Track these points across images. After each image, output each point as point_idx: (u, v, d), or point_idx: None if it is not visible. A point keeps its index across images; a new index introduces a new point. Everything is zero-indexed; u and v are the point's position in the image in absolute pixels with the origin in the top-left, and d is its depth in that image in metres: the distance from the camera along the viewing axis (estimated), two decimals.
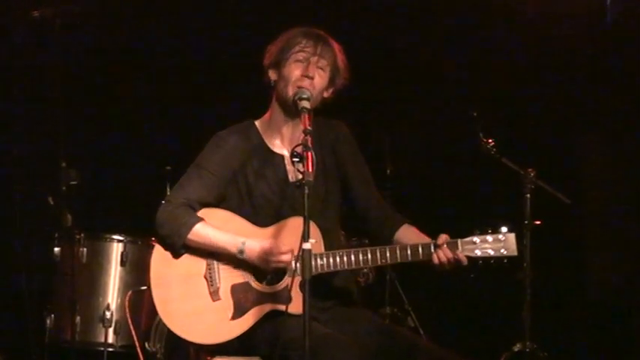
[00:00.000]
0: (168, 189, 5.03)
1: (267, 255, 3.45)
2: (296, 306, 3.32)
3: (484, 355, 4.96)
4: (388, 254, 3.47)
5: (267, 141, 3.69)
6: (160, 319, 3.57)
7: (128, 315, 5.07)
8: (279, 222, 3.55)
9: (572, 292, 5.94)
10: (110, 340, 5.21)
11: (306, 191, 3.14)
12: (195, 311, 3.48)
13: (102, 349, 5.19)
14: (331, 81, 3.63)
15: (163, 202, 3.59)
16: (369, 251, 3.48)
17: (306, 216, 3.12)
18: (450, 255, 3.44)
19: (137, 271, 5.25)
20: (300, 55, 3.58)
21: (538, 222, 5.02)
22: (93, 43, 5.91)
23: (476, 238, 3.47)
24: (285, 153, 3.66)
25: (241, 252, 3.48)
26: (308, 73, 3.55)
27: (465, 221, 3.59)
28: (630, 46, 5.87)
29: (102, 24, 5.87)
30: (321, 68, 3.59)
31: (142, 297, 5.13)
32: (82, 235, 5.25)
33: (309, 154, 3.20)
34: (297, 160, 3.29)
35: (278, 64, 3.61)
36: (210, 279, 3.51)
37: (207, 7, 6.08)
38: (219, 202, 3.61)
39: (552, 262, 5.66)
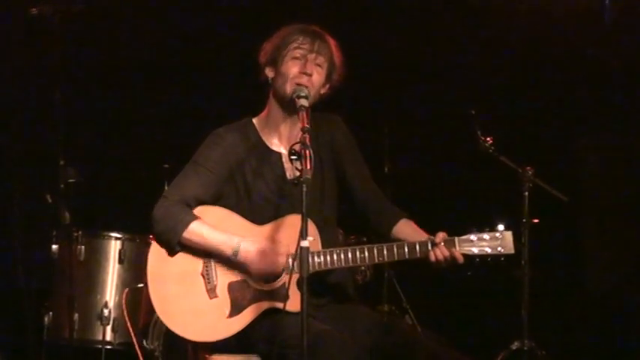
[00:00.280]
0: (166, 187, 5.02)
1: (263, 257, 3.45)
2: (293, 303, 3.32)
3: (482, 353, 4.95)
4: (385, 252, 3.47)
5: (264, 139, 3.68)
6: (158, 317, 3.57)
7: (125, 313, 5.07)
8: (277, 220, 3.55)
9: (570, 290, 5.94)
10: (108, 337, 5.21)
11: (305, 189, 3.14)
12: (193, 309, 3.48)
13: (100, 346, 5.19)
14: (328, 77, 3.63)
15: (160, 198, 3.59)
16: (366, 249, 3.48)
17: (304, 214, 3.12)
18: (446, 253, 3.44)
19: (135, 269, 5.25)
20: (298, 52, 3.58)
21: (536, 220, 5.02)
22: (91, 40, 5.91)
23: (473, 236, 3.48)
24: (283, 151, 3.66)
25: (235, 253, 3.48)
26: (306, 70, 3.55)
27: (463, 219, 3.59)
28: (629, 45, 5.88)
29: (101, 21, 5.86)
30: (319, 65, 3.59)
31: (139, 294, 5.14)
32: (80, 232, 5.25)
33: (308, 152, 3.20)
34: (295, 158, 3.28)
35: (275, 62, 3.60)
36: (207, 276, 3.51)
37: (205, 6, 6.08)
38: (216, 200, 3.61)
39: (550, 260, 5.67)
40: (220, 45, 6.01)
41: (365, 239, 5.03)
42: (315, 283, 3.33)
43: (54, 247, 5.23)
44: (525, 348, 5.00)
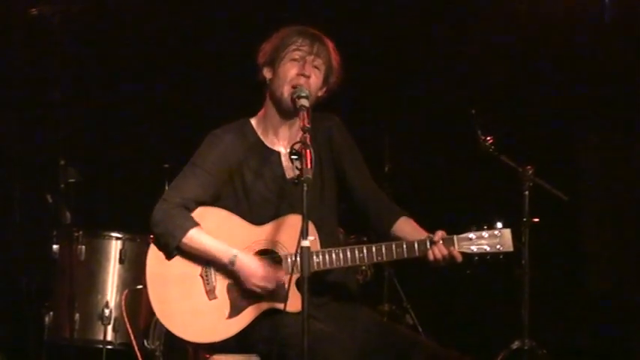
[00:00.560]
0: (166, 186, 5.02)
1: (258, 272, 3.45)
2: (293, 304, 3.33)
3: (483, 353, 4.96)
4: (384, 251, 3.47)
5: (262, 138, 3.68)
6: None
7: (125, 314, 5.07)
8: (277, 219, 3.55)
9: (570, 289, 5.95)
10: (109, 337, 5.21)
11: (305, 188, 3.14)
12: (192, 310, 3.48)
13: (101, 346, 5.18)
14: (325, 80, 3.63)
15: (159, 200, 3.59)
16: (365, 248, 3.47)
17: (305, 214, 3.12)
18: (444, 252, 3.44)
19: (136, 269, 5.25)
20: (297, 54, 3.58)
21: (536, 219, 5.02)
22: (91, 40, 5.91)
23: (472, 235, 3.47)
24: (282, 150, 3.66)
25: (232, 263, 3.48)
26: (304, 72, 3.55)
27: (464, 219, 3.59)
28: (628, 44, 5.88)
29: (101, 21, 5.86)
30: (317, 67, 3.59)
31: (139, 295, 5.13)
32: (81, 232, 5.24)
33: (308, 151, 3.20)
34: (295, 157, 3.27)
35: (273, 63, 3.60)
36: (206, 278, 3.51)
37: (204, 5, 6.08)
38: (215, 201, 3.61)
39: (551, 260, 5.67)
40: (220, 45, 6.01)
41: (365, 239, 5.03)
42: (315, 283, 3.33)
43: (54, 247, 5.23)
44: (526, 347, 4.99)
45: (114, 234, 5.33)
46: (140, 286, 4.97)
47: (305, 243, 3.11)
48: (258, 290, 3.47)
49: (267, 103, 3.68)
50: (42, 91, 5.44)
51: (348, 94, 3.80)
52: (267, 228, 3.55)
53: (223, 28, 6.06)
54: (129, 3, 5.98)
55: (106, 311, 5.19)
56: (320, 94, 3.64)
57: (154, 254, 3.55)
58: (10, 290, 5.49)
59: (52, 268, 5.27)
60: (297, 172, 3.20)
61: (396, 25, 6.16)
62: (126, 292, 5.13)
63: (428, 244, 3.46)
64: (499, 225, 3.48)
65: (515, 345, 5.02)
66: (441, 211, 5.64)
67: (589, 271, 6.01)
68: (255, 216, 3.58)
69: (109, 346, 5.21)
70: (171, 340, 4.90)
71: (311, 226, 3.41)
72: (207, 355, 3.54)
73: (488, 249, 3.47)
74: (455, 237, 3.47)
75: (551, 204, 5.12)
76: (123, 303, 5.10)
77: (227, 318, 3.49)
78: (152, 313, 5.00)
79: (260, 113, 3.72)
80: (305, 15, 3.95)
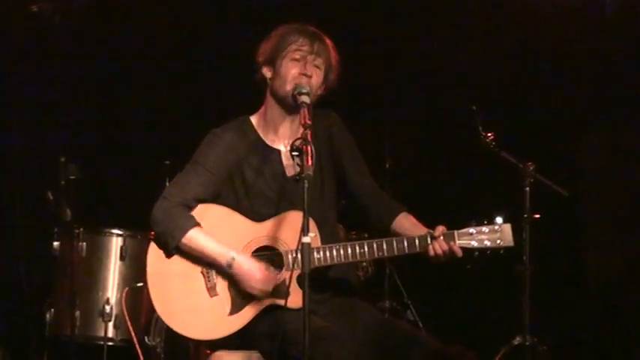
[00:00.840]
0: (167, 183, 5.02)
1: (255, 275, 3.45)
2: (294, 300, 3.33)
3: (484, 349, 4.94)
4: (385, 247, 3.47)
5: (263, 136, 3.68)
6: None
7: (125, 311, 5.07)
8: (277, 216, 3.55)
9: (571, 285, 5.95)
10: (110, 334, 5.21)
11: (306, 185, 3.14)
12: (193, 307, 3.49)
13: (102, 343, 5.19)
14: (325, 78, 3.64)
15: (160, 198, 3.59)
16: (365, 244, 3.48)
17: (306, 210, 3.12)
18: (445, 247, 3.44)
19: (136, 266, 5.25)
20: (297, 54, 3.58)
21: (537, 215, 5.02)
22: (91, 38, 5.91)
23: (472, 230, 3.48)
24: (282, 148, 3.66)
25: (229, 266, 3.48)
26: (306, 72, 3.56)
27: (464, 215, 3.59)
28: (628, 42, 5.87)
29: (101, 19, 5.86)
30: (317, 67, 3.60)
31: (141, 290, 5.14)
32: (82, 229, 5.24)
33: (309, 148, 3.20)
34: (296, 154, 3.27)
35: (273, 62, 3.60)
36: (207, 274, 3.51)
37: (204, 5, 6.08)
38: (215, 199, 3.61)
39: (551, 256, 5.67)
40: (220, 43, 6.01)
41: (366, 235, 5.02)
42: (316, 279, 3.33)
43: (55, 243, 5.24)
44: (527, 343, 4.99)
45: (115, 231, 5.34)
46: (141, 284, 4.96)
47: (306, 239, 3.11)
48: (256, 293, 3.47)
49: (268, 101, 3.68)
50: (42, 88, 5.44)
51: (349, 91, 3.80)
52: (267, 225, 3.55)
53: (223, 26, 6.05)
54: (129, 1, 5.97)
55: (107, 308, 5.20)
56: (319, 92, 3.64)
57: (154, 251, 3.55)
58: (11, 287, 5.49)
59: (53, 265, 5.27)
60: (298, 169, 3.20)
61: (397, 22, 6.15)
62: (127, 288, 5.14)
63: (428, 239, 3.46)
64: (499, 220, 3.48)
65: (516, 341, 5.02)
66: (442, 207, 5.66)
67: (589, 266, 6.01)
68: (255, 213, 3.58)
69: (110, 343, 5.21)
70: (173, 337, 4.90)
71: (312, 223, 3.41)
72: (209, 352, 3.54)
73: (488, 244, 3.47)
74: (455, 232, 3.48)
75: (552, 200, 5.12)
76: (124, 300, 5.10)
77: (228, 315, 3.49)
78: (153, 310, 5.02)
79: (260, 111, 3.72)
80: (305, 13, 3.94)
